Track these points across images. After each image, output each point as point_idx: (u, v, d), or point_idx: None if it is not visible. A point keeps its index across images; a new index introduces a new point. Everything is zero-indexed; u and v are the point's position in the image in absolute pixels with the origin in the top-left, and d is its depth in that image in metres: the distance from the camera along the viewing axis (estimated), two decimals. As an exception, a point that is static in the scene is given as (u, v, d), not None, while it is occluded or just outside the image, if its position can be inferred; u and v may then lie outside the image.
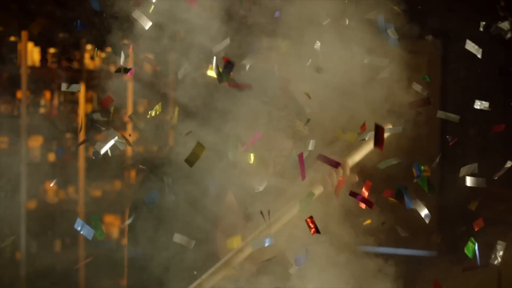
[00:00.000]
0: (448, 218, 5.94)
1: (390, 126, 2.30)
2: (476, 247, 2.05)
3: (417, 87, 2.21)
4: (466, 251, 1.96)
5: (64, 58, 5.75)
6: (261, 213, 1.87)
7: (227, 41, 2.00)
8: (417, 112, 2.32)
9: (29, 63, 5.49)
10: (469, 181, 2.15)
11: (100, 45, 6.20)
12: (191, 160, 1.69)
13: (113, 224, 6.30)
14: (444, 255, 7.44)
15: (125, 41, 6.42)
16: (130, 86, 6.15)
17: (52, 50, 5.68)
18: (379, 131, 1.51)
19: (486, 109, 2.43)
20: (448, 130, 8.00)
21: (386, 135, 1.60)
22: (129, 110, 6.21)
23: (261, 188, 1.94)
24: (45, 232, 6.08)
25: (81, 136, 5.66)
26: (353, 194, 1.92)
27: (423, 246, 7.77)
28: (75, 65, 5.80)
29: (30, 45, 5.52)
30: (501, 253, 2.07)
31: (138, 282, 2.41)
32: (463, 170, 2.16)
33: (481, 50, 2.46)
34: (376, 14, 2.17)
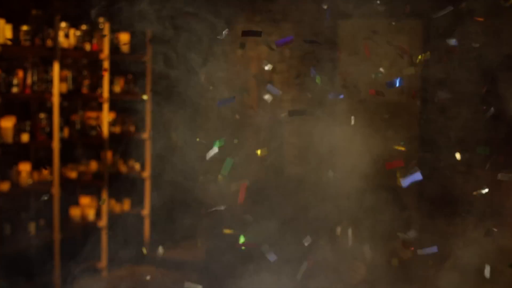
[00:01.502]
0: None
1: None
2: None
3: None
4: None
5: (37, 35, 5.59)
6: None
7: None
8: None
9: (1, 40, 5.32)
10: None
11: (74, 23, 6.04)
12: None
13: (90, 206, 6.19)
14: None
15: (101, 19, 6.24)
16: (106, 64, 6.01)
17: (25, 28, 5.52)
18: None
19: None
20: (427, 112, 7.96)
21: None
22: (105, 89, 6.07)
23: None
24: (19, 214, 5.96)
25: (56, 117, 5.52)
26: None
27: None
28: (49, 43, 5.64)
29: (2, 22, 5.36)
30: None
31: None
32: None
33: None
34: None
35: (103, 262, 6.15)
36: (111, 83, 6.29)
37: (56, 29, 5.60)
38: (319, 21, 8.24)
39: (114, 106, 6.50)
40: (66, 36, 5.81)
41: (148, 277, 5.28)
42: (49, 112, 5.73)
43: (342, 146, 4.48)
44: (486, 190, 3.17)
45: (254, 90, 7.68)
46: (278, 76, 8.45)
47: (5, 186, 5.54)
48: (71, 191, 6.58)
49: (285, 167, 8.28)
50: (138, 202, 6.94)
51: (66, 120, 5.91)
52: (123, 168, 6.55)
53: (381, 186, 3.74)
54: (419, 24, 7.89)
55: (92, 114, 6.21)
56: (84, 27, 5.99)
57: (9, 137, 5.47)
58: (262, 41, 8.45)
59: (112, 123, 6.34)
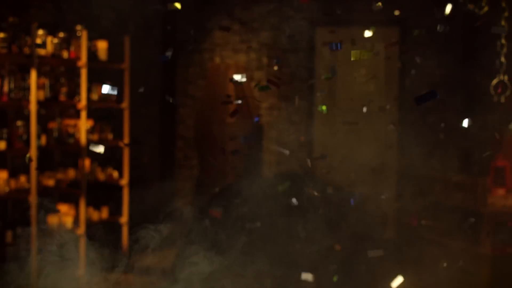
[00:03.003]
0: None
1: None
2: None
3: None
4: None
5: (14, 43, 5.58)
6: None
7: None
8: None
9: (-22, 48, 5.31)
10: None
11: (52, 30, 6.03)
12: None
13: (68, 214, 6.17)
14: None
15: (78, 27, 6.23)
16: (84, 72, 6.01)
17: (1, 35, 5.50)
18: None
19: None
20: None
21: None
22: (83, 97, 6.06)
23: None
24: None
25: (33, 125, 5.50)
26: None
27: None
28: (26, 50, 5.63)
29: (-21, 29, 5.34)
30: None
31: None
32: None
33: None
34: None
35: (81, 271, 6.12)
36: (89, 90, 6.28)
37: (33, 36, 5.59)
38: (296, 29, 8.29)
39: (91, 113, 6.49)
40: (43, 43, 5.80)
41: None
42: (26, 119, 5.71)
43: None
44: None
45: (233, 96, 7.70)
46: (254, 83, 8.47)
47: (-18, 194, 5.51)
48: (49, 199, 6.56)
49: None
50: (116, 210, 6.93)
51: (43, 127, 5.90)
52: (101, 176, 6.54)
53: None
54: (396, 31, 7.97)
55: (69, 121, 6.20)
56: (61, 34, 5.98)
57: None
58: (240, 49, 8.48)
59: (90, 131, 6.33)
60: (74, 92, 6.12)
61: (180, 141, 8.70)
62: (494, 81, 4.58)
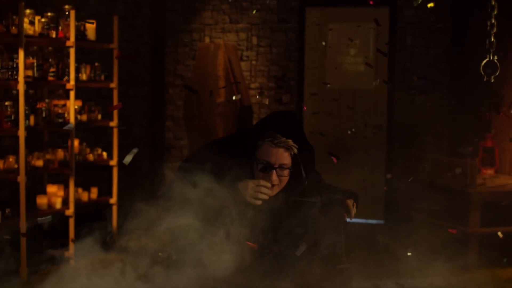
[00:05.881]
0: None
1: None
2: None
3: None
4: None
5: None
6: None
7: None
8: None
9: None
10: None
11: (40, 10, 5.98)
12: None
13: (57, 195, 6.15)
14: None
15: (66, 6, 6.18)
16: (72, 52, 5.96)
17: (-11, 14, 5.44)
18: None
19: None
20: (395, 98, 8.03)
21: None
22: (72, 77, 6.02)
23: None
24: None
25: (21, 105, 5.46)
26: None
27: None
28: (14, 30, 5.57)
29: (-35, 8, 5.28)
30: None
31: None
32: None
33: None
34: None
35: (71, 251, 6.12)
36: (78, 70, 6.24)
37: (20, 16, 5.53)
38: (286, 7, 8.26)
39: (80, 93, 6.46)
40: (31, 23, 5.74)
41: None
42: (15, 99, 5.67)
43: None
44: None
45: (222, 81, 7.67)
46: (245, 63, 8.45)
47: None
48: (38, 179, 6.53)
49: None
50: (105, 190, 6.91)
51: (32, 108, 5.86)
52: (90, 157, 6.52)
53: None
54: (386, 12, 7.95)
55: (58, 102, 6.16)
56: (49, 13, 5.92)
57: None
58: (230, 29, 8.44)
59: (78, 111, 6.29)
60: (62, 72, 6.07)
61: (170, 121, 8.68)
62: (484, 61, 4.58)
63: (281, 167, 2.85)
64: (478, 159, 6.62)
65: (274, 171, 2.84)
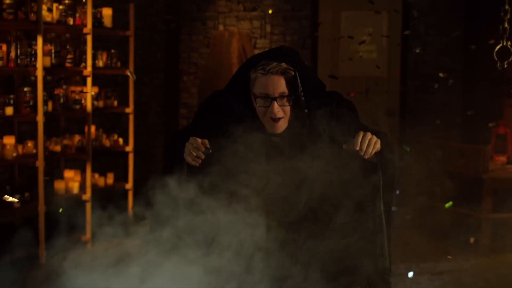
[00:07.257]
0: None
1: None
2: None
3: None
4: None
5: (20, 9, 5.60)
6: None
7: None
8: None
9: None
10: None
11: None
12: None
13: (74, 179, 6.24)
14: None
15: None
16: (89, 39, 6.04)
17: (7, 1, 5.53)
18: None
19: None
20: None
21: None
22: (89, 63, 6.10)
23: None
24: (3, 187, 6.01)
25: (39, 91, 5.54)
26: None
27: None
28: (32, 17, 5.65)
29: (-15, -5, 5.37)
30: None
31: None
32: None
33: None
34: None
35: (88, 235, 6.22)
36: (94, 57, 6.32)
37: (39, 2, 5.61)
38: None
39: (97, 80, 6.54)
40: (49, 10, 5.82)
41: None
42: (33, 86, 5.75)
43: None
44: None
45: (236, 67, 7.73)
46: (259, 51, 8.49)
47: (-10, 159, 5.58)
48: (55, 164, 6.64)
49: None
50: (122, 176, 7.00)
51: (49, 94, 5.95)
52: (106, 142, 6.60)
53: None
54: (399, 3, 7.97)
55: (75, 88, 6.24)
56: (67, 1, 6.00)
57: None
58: (244, 17, 8.49)
59: (95, 98, 6.38)
60: (80, 59, 6.15)
61: (184, 109, 8.75)
62: (497, 47, 4.62)
63: (282, 96, 2.47)
64: (490, 146, 6.66)
65: (275, 102, 2.47)
